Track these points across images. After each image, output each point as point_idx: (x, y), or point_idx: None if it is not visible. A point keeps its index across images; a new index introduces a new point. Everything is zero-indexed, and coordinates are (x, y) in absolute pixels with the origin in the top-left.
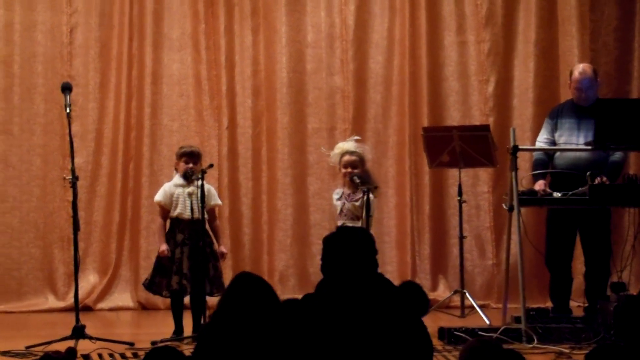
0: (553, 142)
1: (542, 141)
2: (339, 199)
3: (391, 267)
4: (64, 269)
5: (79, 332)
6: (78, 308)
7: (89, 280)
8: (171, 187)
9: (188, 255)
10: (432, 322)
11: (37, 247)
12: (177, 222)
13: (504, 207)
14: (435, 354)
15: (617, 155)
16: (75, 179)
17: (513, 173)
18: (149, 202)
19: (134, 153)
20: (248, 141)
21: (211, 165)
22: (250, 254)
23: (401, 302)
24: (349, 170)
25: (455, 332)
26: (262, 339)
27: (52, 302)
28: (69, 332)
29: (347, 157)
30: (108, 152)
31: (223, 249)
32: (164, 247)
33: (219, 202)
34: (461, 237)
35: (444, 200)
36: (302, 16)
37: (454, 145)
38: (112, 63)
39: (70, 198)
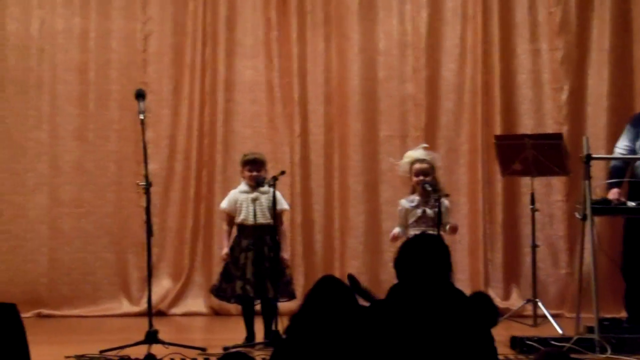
0: (633, 150)
1: (621, 147)
2: (416, 206)
3: (463, 275)
4: (138, 274)
5: (152, 337)
6: (151, 313)
7: (163, 285)
8: (236, 194)
9: (252, 260)
10: (505, 331)
11: (112, 252)
12: (242, 228)
13: (577, 216)
14: None
15: None
16: (148, 184)
17: (586, 182)
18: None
19: (207, 159)
20: (320, 148)
21: (283, 172)
22: (322, 261)
23: (471, 312)
24: (421, 178)
25: (527, 342)
26: (343, 342)
27: (126, 306)
28: (142, 337)
29: (418, 165)
30: (181, 159)
31: (285, 254)
32: (225, 250)
33: (286, 207)
34: (534, 246)
35: (516, 209)
36: (374, 24)
37: (527, 154)
38: (185, 70)
39: (144, 204)
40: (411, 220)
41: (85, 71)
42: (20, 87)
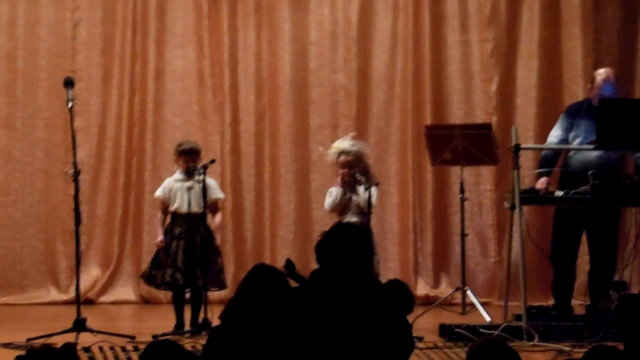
0: (565, 140)
1: (554, 137)
2: (344, 194)
3: (393, 264)
4: (67, 262)
5: (80, 325)
6: (79, 301)
7: (91, 273)
8: (170, 182)
9: (184, 248)
10: (434, 319)
11: (40, 240)
12: (176, 216)
13: (506, 205)
14: (436, 350)
15: None
16: (77, 172)
17: (515, 171)
18: (152, 197)
19: (137, 148)
20: (251, 138)
21: (213, 161)
22: (252, 250)
23: (387, 298)
24: (346, 170)
25: (456, 330)
26: (275, 327)
27: (54, 295)
28: (70, 325)
29: (343, 158)
30: (111, 147)
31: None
32: (160, 237)
33: (221, 195)
34: (463, 235)
35: (446, 198)
36: (306, 14)
37: (456, 143)
38: (115, 59)
39: (73, 192)
40: (336, 208)
41: (13, 59)
42: None
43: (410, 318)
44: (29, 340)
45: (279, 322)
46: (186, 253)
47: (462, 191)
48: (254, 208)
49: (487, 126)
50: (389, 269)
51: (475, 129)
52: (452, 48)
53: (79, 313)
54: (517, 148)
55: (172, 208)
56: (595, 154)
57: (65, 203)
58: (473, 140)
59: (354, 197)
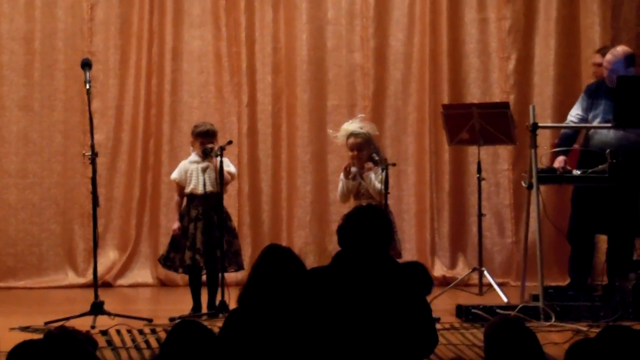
0: (585, 119)
1: (573, 116)
2: (353, 178)
3: (410, 245)
4: (84, 245)
5: (97, 308)
6: (97, 284)
7: (109, 256)
8: (186, 164)
9: (202, 230)
10: (451, 300)
11: (58, 223)
12: (192, 197)
13: (524, 184)
14: (452, 331)
15: None
16: (94, 155)
17: (533, 150)
18: (169, 179)
19: (154, 130)
20: (268, 118)
21: (230, 142)
22: (269, 231)
23: (406, 280)
24: (355, 153)
25: (473, 310)
26: (292, 309)
27: (72, 278)
28: (87, 308)
29: (352, 140)
30: (128, 129)
31: None
32: (176, 225)
33: (232, 169)
34: (480, 215)
35: (463, 178)
36: None
37: (474, 123)
38: (132, 39)
39: (90, 174)
40: (351, 192)
41: (31, 40)
42: None
43: (427, 298)
44: (46, 323)
45: (295, 302)
46: (205, 234)
47: (479, 171)
48: (271, 189)
49: (504, 105)
50: (405, 250)
51: (493, 108)
52: (470, 26)
53: (96, 296)
54: (535, 127)
55: (188, 189)
56: (613, 133)
57: (83, 186)
58: (490, 120)
59: (363, 183)
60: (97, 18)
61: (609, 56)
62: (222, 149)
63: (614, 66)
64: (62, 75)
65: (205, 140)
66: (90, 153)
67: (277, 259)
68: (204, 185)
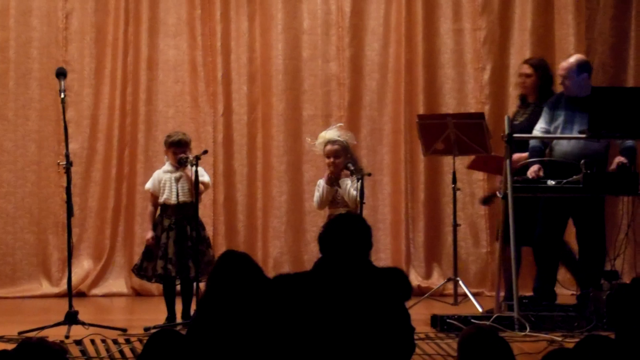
0: (548, 132)
1: (538, 130)
2: (331, 188)
3: (385, 255)
4: (58, 254)
5: (72, 318)
6: (71, 294)
7: (83, 266)
8: (160, 174)
9: (174, 239)
10: (426, 310)
11: (32, 232)
12: (165, 207)
13: (498, 195)
14: (427, 341)
15: (630, 141)
16: (69, 164)
17: (507, 161)
18: (144, 189)
19: (129, 139)
20: (243, 128)
21: (205, 152)
22: (245, 241)
23: (386, 285)
24: (332, 160)
25: (448, 320)
26: (252, 313)
27: (46, 287)
28: (62, 318)
29: (329, 147)
30: (103, 138)
31: None
32: (149, 234)
33: (207, 179)
34: (455, 225)
35: (438, 188)
36: (298, 3)
37: (449, 133)
38: (107, 49)
39: (65, 184)
40: (323, 200)
41: (5, 49)
42: None
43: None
44: (20, 333)
45: (253, 306)
46: (177, 244)
47: (454, 181)
48: (246, 199)
49: (479, 115)
50: (380, 260)
51: (468, 118)
52: (445, 37)
53: (70, 306)
54: (510, 137)
55: (162, 199)
56: (575, 143)
57: (57, 195)
58: (465, 130)
59: (340, 190)
60: (72, 27)
61: (563, 64)
62: (197, 158)
63: (568, 73)
64: (36, 84)
65: (178, 150)
66: (64, 162)
67: (234, 265)
68: (177, 195)
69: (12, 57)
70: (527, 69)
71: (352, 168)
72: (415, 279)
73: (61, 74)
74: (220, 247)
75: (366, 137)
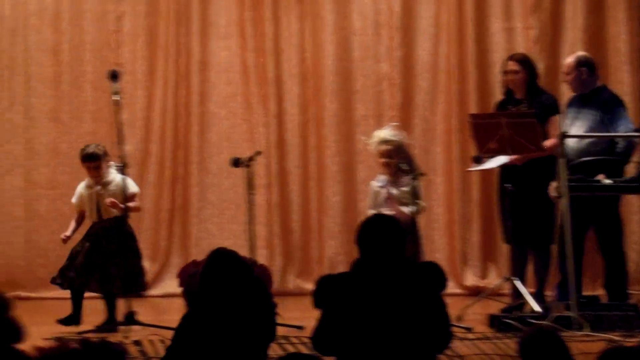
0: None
1: None
2: (382, 187)
3: (440, 255)
4: None
5: (130, 319)
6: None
7: None
8: (81, 190)
9: (86, 251)
10: (482, 310)
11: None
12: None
13: (554, 194)
14: (485, 341)
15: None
16: (124, 165)
17: (561, 160)
18: (199, 189)
19: (182, 140)
20: (296, 129)
21: (259, 153)
22: (299, 241)
23: (421, 279)
24: (386, 160)
25: (505, 320)
26: (241, 310)
27: None
28: (120, 318)
29: (382, 147)
30: (157, 140)
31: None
32: (67, 233)
33: (135, 189)
34: (510, 224)
35: (492, 187)
36: (349, 3)
37: (502, 132)
38: (159, 51)
39: None
40: (380, 200)
41: (59, 52)
42: None
43: (458, 309)
44: (79, 333)
45: (243, 303)
46: (88, 256)
47: (506, 180)
48: (300, 200)
49: (532, 114)
50: (435, 259)
51: (521, 117)
52: (496, 36)
53: (128, 306)
54: (563, 136)
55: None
56: (580, 141)
57: None
58: (518, 129)
59: (394, 191)
60: (124, 29)
61: (564, 62)
62: (251, 159)
63: (568, 70)
64: (90, 87)
65: (90, 164)
66: (119, 164)
67: (223, 262)
68: (99, 212)
69: (66, 60)
70: (513, 65)
71: (405, 168)
72: (471, 278)
73: (114, 76)
74: (275, 248)
75: (418, 137)
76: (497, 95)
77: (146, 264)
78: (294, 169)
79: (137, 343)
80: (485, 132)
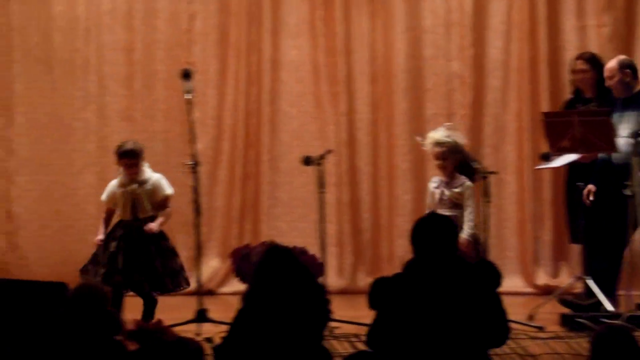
0: None
1: None
2: (437, 187)
3: (511, 253)
4: (187, 253)
5: (202, 316)
6: (201, 292)
7: (212, 264)
8: (114, 188)
9: (124, 250)
10: (554, 309)
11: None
12: (120, 220)
13: (626, 193)
14: (557, 340)
15: None
16: (196, 164)
17: (635, 158)
18: (269, 188)
19: (254, 139)
20: (367, 127)
21: (330, 151)
22: (369, 240)
23: (476, 277)
24: (439, 162)
25: (577, 319)
26: (296, 307)
27: None
28: (192, 316)
29: (436, 149)
30: (228, 138)
31: (151, 224)
32: (99, 237)
33: (169, 191)
34: (582, 223)
35: (564, 186)
36: (420, 2)
37: (575, 131)
38: (230, 50)
39: (192, 183)
40: (435, 201)
41: (131, 51)
42: (67, 68)
43: (530, 308)
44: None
45: (297, 299)
46: (126, 255)
47: (576, 179)
48: (371, 198)
49: (605, 112)
50: (507, 258)
51: (594, 115)
52: (569, 34)
53: (200, 304)
54: (636, 134)
55: (117, 214)
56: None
57: (185, 195)
58: (591, 127)
59: (446, 192)
60: (196, 29)
61: (607, 65)
62: (322, 157)
63: (612, 74)
64: (162, 86)
65: (129, 161)
66: (191, 162)
67: (278, 259)
68: (134, 211)
69: (138, 59)
70: (582, 65)
71: (477, 166)
72: (543, 277)
73: (186, 75)
74: (345, 247)
75: (490, 136)
76: (569, 93)
77: (216, 261)
78: (364, 167)
79: (208, 340)
80: (558, 131)
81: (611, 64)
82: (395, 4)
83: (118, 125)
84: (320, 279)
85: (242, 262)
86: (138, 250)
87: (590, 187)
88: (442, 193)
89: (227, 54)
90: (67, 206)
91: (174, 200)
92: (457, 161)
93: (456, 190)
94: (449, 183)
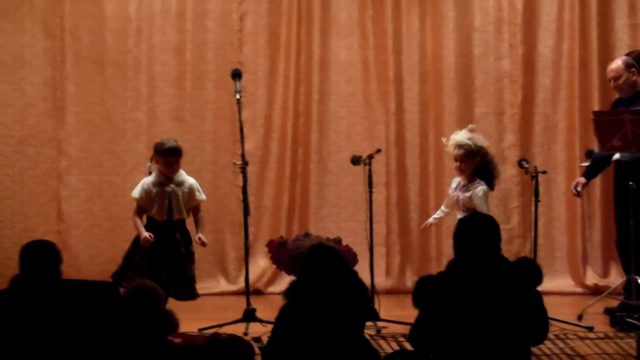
0: None
1: None
2: (455, 189)
3: (561, 253)
4: (235, 253)
5: (250, 316)
6: (249, 291)
7: (259, 264)
8: (149, 186)
9: (151, 255)
10: (603, 308)
11: (209, 231)
12: (152, 221)
13: None
14: (607, 340)
15: None
16: (245, 164)
17: None
18: (318, 188)
19: (302, 139)
20: (415, 127)
21: (379, 150)
22: (418, 239)
23: (517, 274)
24: (457, 164)
25: (627, 319)
26: (340, 304)
27: (223, 285)
28: (240, 315)
29: (456, 151)
30: (277, 138)
31: (202, 237)
32: (145, 233)
33: (203, 197)
34: (633, 223)
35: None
36: (470, 1)
37: (625, 130)
38: (280, 49)
39: (241, 183)
40: (452, 202)
41: (182, 51)
42: (119, 69)
43: (579, 308)
44: (200, 330)
45: (340, 295)
46: (152, 261)
47: (630, 178)
48: (419, 198)
49: None
50: (557, 258)
51: None
52: (620, 32)
53: (248, 303)
54: None
55: (151, 213)
56: None
57: (233, 194)
58: None
59: (461, 195)
60: (247, 28)
61: (611, 66)
62: (371, 156)
63: (618, 74)
64: (212, 86)
65: (173, 159)
66: (240, 162)
67: (321, 257)
68: (170, 211)
69: (189, 59)
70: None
71: (526, 166)
72: (592, 277)
73: (237, 75)
74: (393, 246)
75: (540, 135)
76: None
77: (264, 261)
78: (412, 167)
79: (257, 340)
80: (608, 129)
81: (616, 64)
82: (445, 2)
83: (168, 125)
84: (363, 280)
85: (279, 251)
86: (172, 254)
87: None
88: (458, 196)
89: (277, 54)
90: (117, 206)
91: (223, 200)
92: (475, 164)
93: (467, 195)
94: (465, 186)
